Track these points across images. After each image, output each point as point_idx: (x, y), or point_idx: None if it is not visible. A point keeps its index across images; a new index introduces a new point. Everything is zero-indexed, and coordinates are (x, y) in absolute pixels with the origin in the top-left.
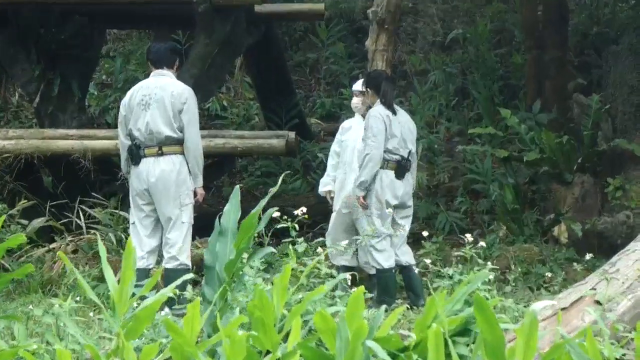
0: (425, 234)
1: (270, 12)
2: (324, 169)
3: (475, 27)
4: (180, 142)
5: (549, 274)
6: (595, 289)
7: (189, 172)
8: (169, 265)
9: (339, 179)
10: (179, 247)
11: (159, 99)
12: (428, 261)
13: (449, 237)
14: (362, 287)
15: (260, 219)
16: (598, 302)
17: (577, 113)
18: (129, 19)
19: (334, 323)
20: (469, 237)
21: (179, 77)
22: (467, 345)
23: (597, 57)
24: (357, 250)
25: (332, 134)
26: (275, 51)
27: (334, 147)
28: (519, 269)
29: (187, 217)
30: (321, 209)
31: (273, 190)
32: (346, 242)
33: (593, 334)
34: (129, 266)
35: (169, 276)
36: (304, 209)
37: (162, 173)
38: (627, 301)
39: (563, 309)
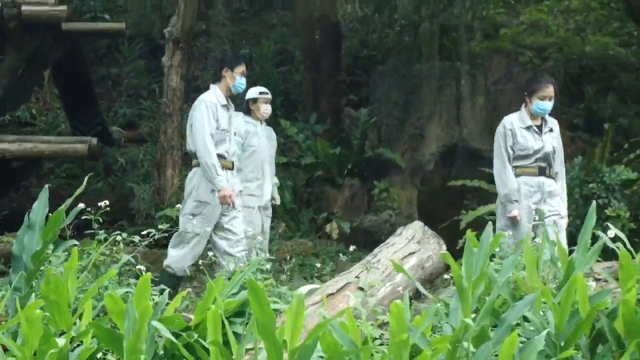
0: None
1: (76, 30)
2: (124, 172)
3: (261, 48)
4: None
5: (318, 265)
6: (358, 277)
7: None
8: None
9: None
10: None
11: None
12: (211, 254)
13: None
14: (149, 274)
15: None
16: (361, 289)
17: (348, 125)
18: None
19: (123, 304)
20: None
21: None
22: (243, 325)
23: (366, 77)
24: None
25: (133, 140)
26: (81, 65)
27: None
28: (294, 260)
29: None
30: (119, 208)
31: (79, 190)
32: None
33: (357, 316)
34: None
35: None
36: (107, 202)
37: None
38: (386, 287)
39: (330, 294)
